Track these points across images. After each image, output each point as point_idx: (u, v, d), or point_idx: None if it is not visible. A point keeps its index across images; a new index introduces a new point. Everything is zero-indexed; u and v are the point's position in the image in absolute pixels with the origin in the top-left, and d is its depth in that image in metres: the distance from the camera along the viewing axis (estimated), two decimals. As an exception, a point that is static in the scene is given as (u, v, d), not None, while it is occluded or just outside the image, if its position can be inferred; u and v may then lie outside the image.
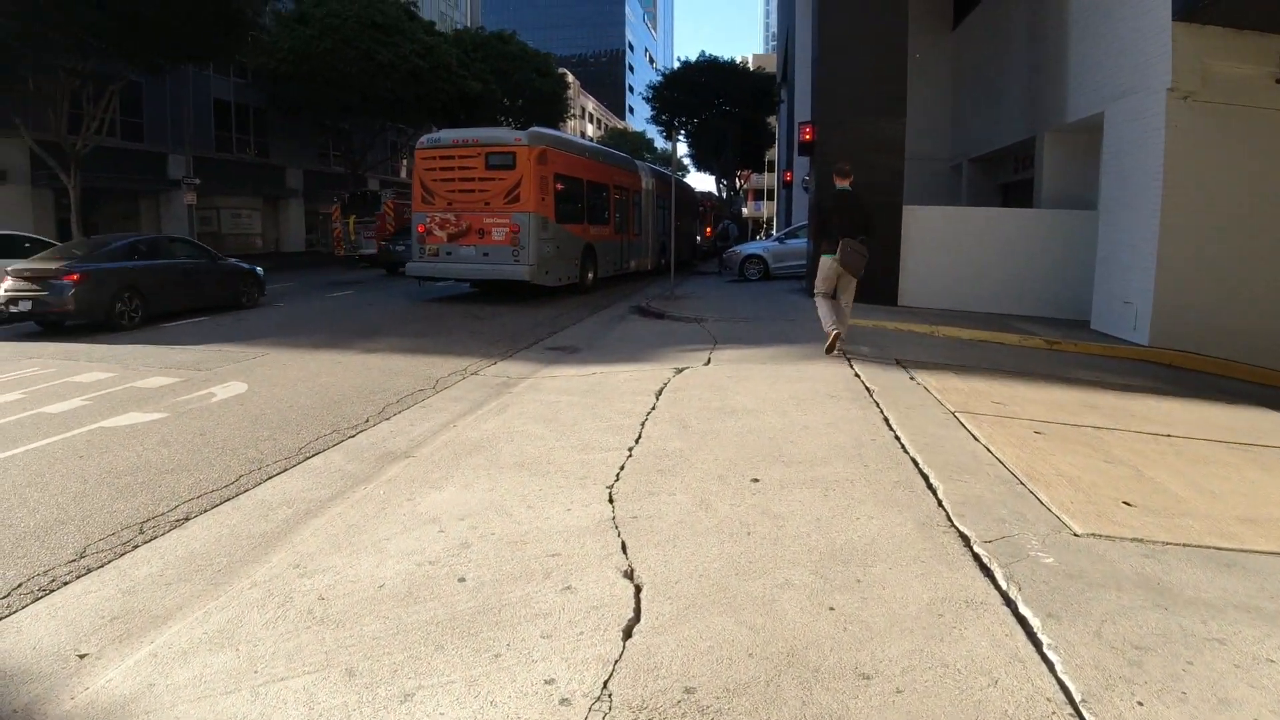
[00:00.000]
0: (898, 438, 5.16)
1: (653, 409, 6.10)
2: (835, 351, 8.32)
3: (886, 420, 5.60)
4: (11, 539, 4.13)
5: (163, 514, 4.39)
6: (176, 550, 3.85)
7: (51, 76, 23.18)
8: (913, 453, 4.81)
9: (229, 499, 4.58)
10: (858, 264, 8.26)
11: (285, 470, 5.07)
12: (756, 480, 4.35)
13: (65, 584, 3.57)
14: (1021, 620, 2.83)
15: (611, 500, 4.09)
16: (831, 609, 2.92)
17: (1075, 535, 3.61)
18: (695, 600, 3.00)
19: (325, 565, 3.48)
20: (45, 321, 12.59)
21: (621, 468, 4.64)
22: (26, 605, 3.39)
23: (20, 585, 3.58)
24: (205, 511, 4.39)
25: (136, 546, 3.95)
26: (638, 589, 3.10)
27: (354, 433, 5.94)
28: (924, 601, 2.97)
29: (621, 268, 20.30)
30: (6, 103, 23.31)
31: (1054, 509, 3.91)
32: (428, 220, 15.66)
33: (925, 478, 4.36)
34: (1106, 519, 3.84)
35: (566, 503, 4.08)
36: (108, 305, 12.35)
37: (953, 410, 5.91)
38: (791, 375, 7.37)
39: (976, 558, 3.36)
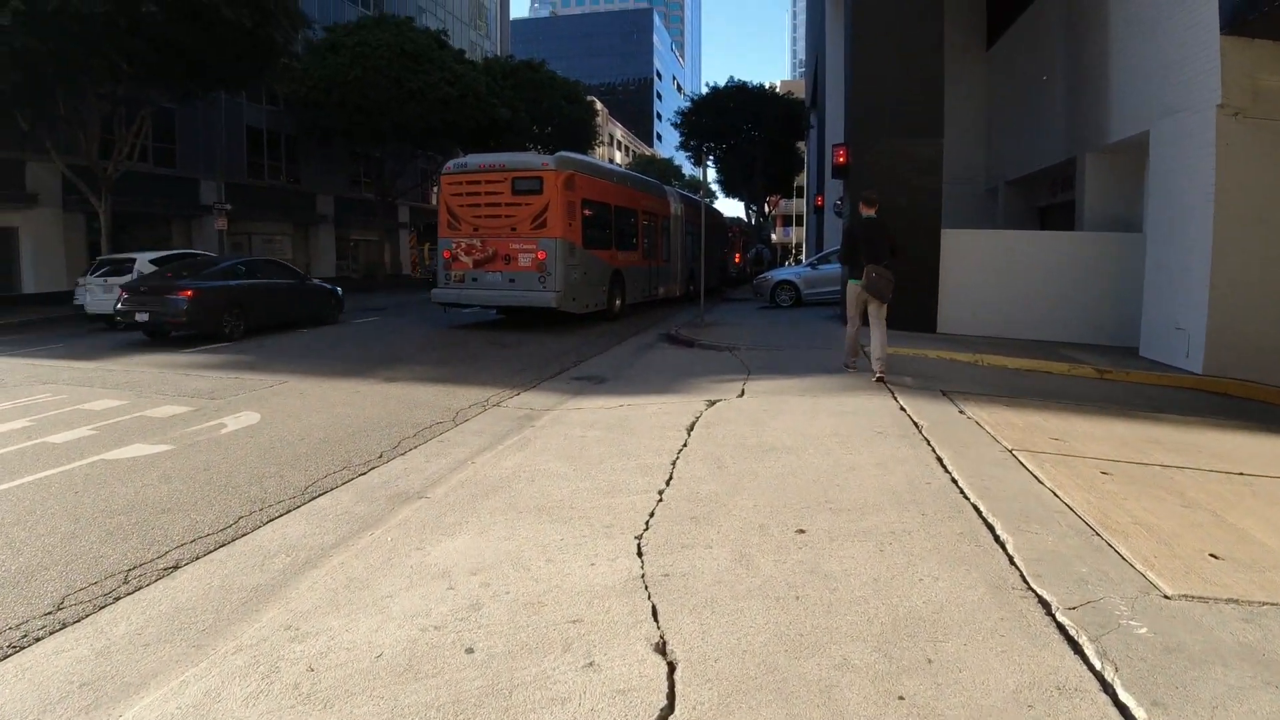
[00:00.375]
0: (954, 480, 4.70)
1: (684, 445, 5.69)
2: (851, 367, 8.75)
3: (940, 460, 5.14)
4: None
5: (151, 560, 4.03)
6: (161, 604, 3.49)
7: (83, 101, 23.41)
8: (973, 498, 4.35)
9: (225, 544, 4.22)
10: (883, 289, 8.40)
11: (289, 511, 4.71)
12: (802, 531, 3.91)
13: (38, 640, 3.24)
14: (1123, 709, 2.39)
15: (640, 553, 3.67)
16: (901, 698, 2.47)
17: (1166, 598, 3.16)
18: (739, 684, 2.56)
19: (320, 627, 3.10)
20: (156, 331, 14.29)
21: (651, 514, 4.22)
22: None
23: None
24: (197, 559, 4.03)
25: (119, 598, 3.60)
26: (671, 667, 2.67)
27: (366, 469, 5.58)
28: (1009, 688, 2.52)
29: (650, 294, 19.96)
30: (39, 126, 23.53)
31: (1137, 565, 3.46)
32: (453, 246, 15.43)
33: (991, 528, 3.90)
34: (1196, 575, 3.38)
35: (591, 555, 3.67)
36: (216, 318, 14.04)
37: (1010, 448, 5.45)
38: (832, 408, 6.92)
39: (1061, 629, 2.91)
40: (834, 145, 15.55)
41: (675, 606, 3.11)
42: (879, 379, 8.25)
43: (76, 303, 18.37)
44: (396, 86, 31.83)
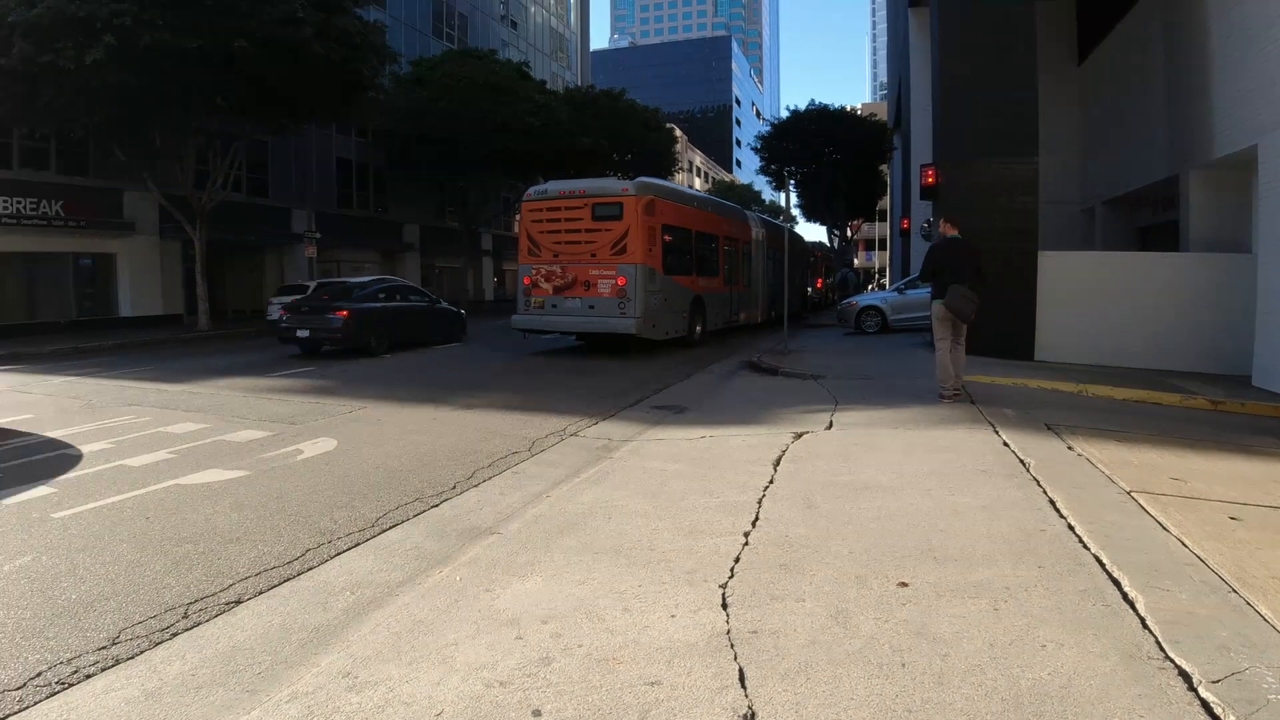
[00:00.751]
0: (1071, 527, 4.25)
1: (771, 482, 5.35)
2: (949, 398, 8.37)
3: (1053, 503, 4.69)
4: (48, 614, 3.72)
5: (214, 594, 3.90)
6: (219, 642, 3.34)
7: (179, 134, 24.46)
8: (1094, 548, 3.91)
9: (289, 579, 4.07)
10: (966, 310, 8.22)
11: (357, 545, 4.55)
12: (904, 584, 3.53)
13: (88, 677, 3.11)
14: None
15: (725, 605, 3.36)
16: (1034, 797, 2.11)
17: (1321, 668, 2.70)
18: (841, 770, 2.23)
19: (379, 676, 2.89)
20: (312, 347, 16.27)
21: (737, 559, 3.90)
22: (39, 701, 2.94)
23: (39, 675, 3.14)
24: (260, 594, 3.88)
25: (176, 634, 3.46)
26: (761, 746, 2.36)
27: (438, 501, 5.40)
28: (1163, 786, 2.13)
29: (731, 321, 19.63)
30: (136, 158, 24.69)
31: (1281, 628, 3.00)
32: (533, 272, 15.44)
33: (1117, 584, 3.46)
34: (1351, 641, 2.91)
35: (671, 605, 3.37)
36: (365, 336, 15.93)
37: (1128, 489, 4.96)
38: (929, 443, 6.49)
39: (1206, 707, 2.49)
40: (921, 166, 15.09)
41: (765, 671, 2.79)
42: (945, 398, 8.36)
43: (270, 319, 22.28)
44: (481, 118, 32.46)
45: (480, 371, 13.50)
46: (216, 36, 20.46)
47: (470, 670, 2.88)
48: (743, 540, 4.18)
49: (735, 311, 19.94)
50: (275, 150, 32.24)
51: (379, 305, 16.82)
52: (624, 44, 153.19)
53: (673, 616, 3.26)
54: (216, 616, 3.64)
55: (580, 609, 3.38)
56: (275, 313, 20.94)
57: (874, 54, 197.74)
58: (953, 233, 8.77)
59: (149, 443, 7.71)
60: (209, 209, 25.50)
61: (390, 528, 4.85)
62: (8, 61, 19.81)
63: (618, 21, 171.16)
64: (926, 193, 14.22)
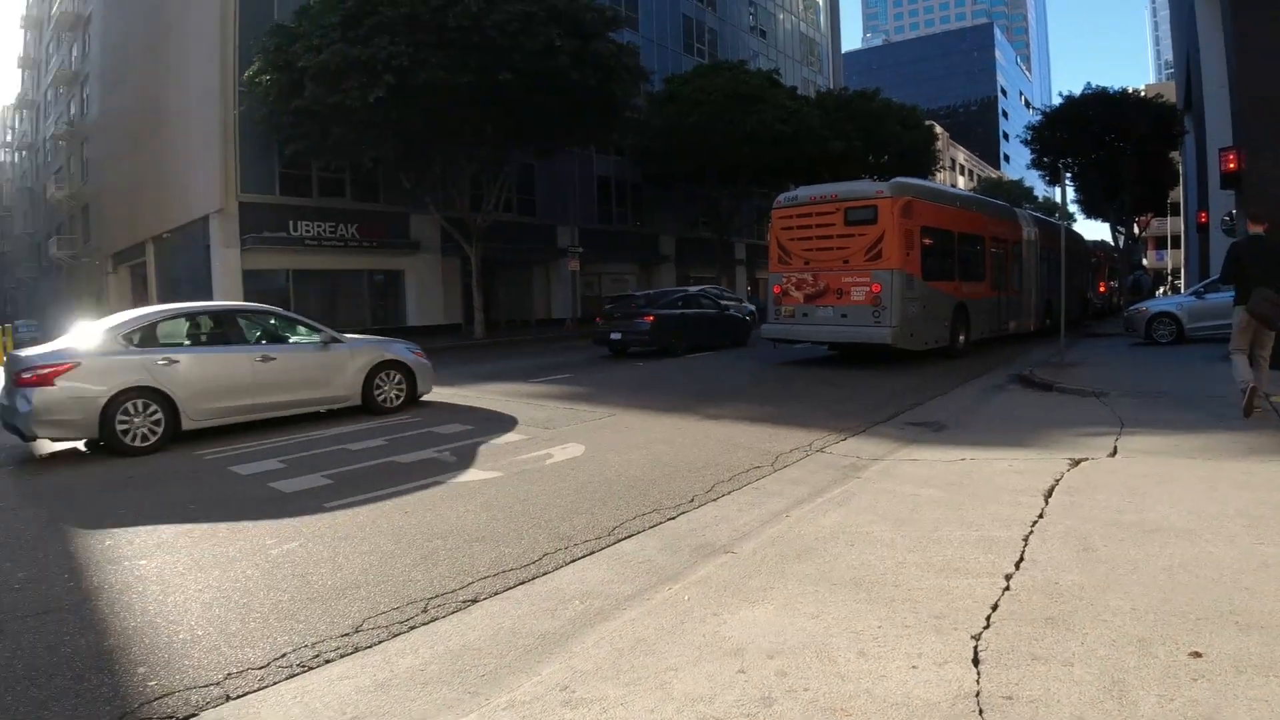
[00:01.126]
0: None
1: (1040, 516, 4.75)
2: (1255, 413, 7.43)
3: None
4: (302, 598, 4.06)
5: (453, 591, 4.08)
6: (450, 640, 3.48)
7: (455, 161, 26.89)
8: None
9: (524, 582, 4.17)
10: (1271, 315, 7.53)
11: (592, 554, 4.58)
12: (1197, 654, 2.91)
13: (327, 662, 3.34)
14: None
15: (977, 660, 2.95)
16: None
17: None
18: None
19: (595, 694, 2.84)
20: (621, 348, 18.85)
21: (994, 606, 3.44)
22: (278, 682, 3.18)
23: (283, 656, 3.40)
24: (495, 595, 4.01)
25: (414, 628, 3.65)
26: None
27: (676, 514, 5.33)
28: None
29: (998, 329, 18.16)
30: (421, 186, 27.46)
31: None
32: (784, 281, 15.15)
33: None
34: None
35: (912, 654, 3.03)
36: (668, 339, 18.17)
37: None
38: (1237, 477, 5.51)
39: None
40: (1220, 150, 13.19)
41: (1019, 746, 2.40)
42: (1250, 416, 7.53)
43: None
44: (731, 129, 32.69)
45: (729, 380, 13.44)
46: (483, 71, 22.29)
47: (687, 701, 2.75)
48: (1003, 584, 3.70)
49: (1004, 319, 18.42)
50: (541, 172, 34.50)
51: (678, 311, 18.94)
52: (877, 42, 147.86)
53: (914, 667, 2.92)
54: (452, 614, 3.79)
55: (810, 646, 3.13)
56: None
57: (1155, 29, 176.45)
58: (1258, 230, 7.98)
59: (420, 441, 8.37)
60: (483, 228, 27.84)
61: (625, 538, 4.85)
62: (302, 102, 22.80)
63: (869, 20, 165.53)
64: (1227, 181, 12.43)
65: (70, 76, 45.97)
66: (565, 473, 6.68)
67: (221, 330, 9.69)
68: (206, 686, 3.16)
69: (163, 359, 8.65)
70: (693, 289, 22.85)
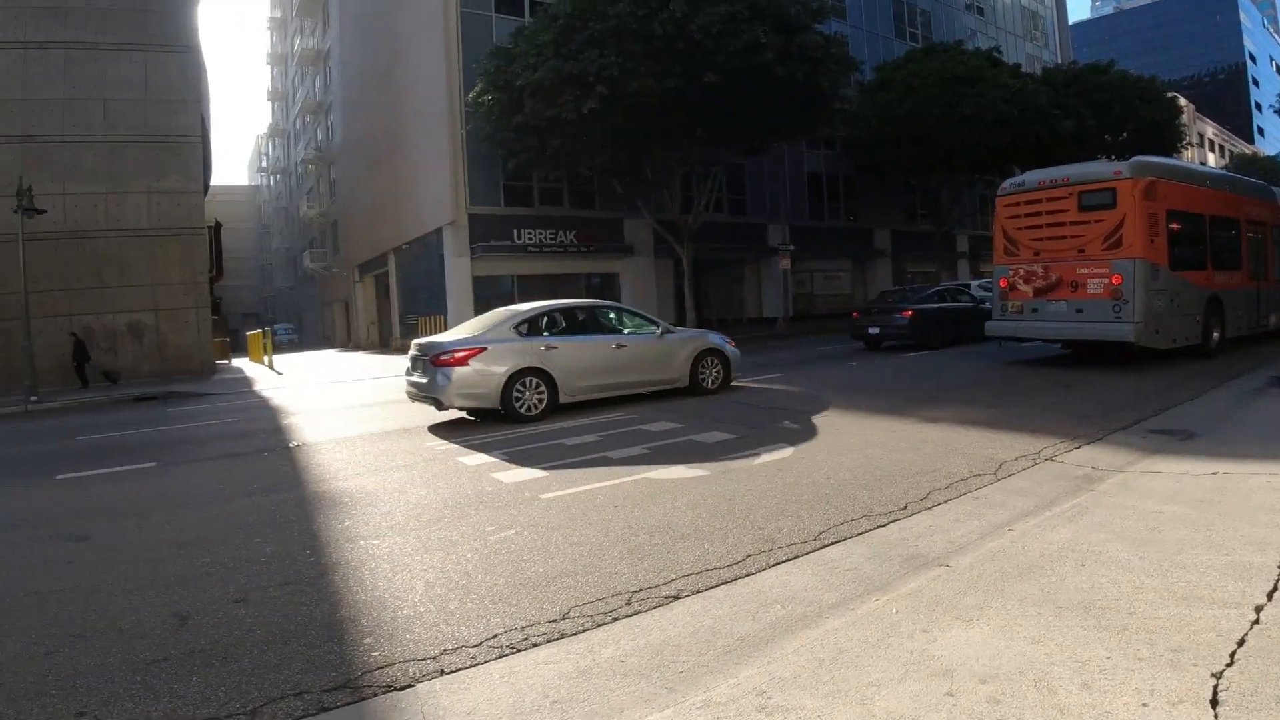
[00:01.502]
0: None
1: (1304, 540, 4.13)
2: None
3: None
4: (515, 583, 4.28)
5: (656, 586, 4.14)
6: (651, 634, 3.53)
7: (666, 165, 27.42)
8: None
9: (726, 582, 4.15)
10: None
11: (796, 558, 4.47)
12: None
13: (534, 646, 3.49)
14: None
15: (1216, 702, 2.56)
16: None
17: None
18: None
19: (792, 703, 2.76)
20: (877, 342, 19.58)
21: (1240, 641, 2.99)
22: (488, 661, 3.37)
23: (495, 637, 3.59)
24: (697, 593, 4.02)
25: (617, 619, 3.74)
26: None
27: (886, 521, 5.10)
28: None
29: (1257, 325, 15.95)
30: (633, 191, 28.23)
31: None
32: (1011, 274, 14.09)
33: None
34: None
35: (1144, 690, 2.69)
36: (926, 333, 18.71)
37: None
38: None
39: None
40: None
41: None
42: None
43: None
44: (948, 113, 31.03)
45: (949, 379, 12.78)
46: (689, 74, 22.61)
47: (889, 721, 2.59)
48: (1252, 616, 3.21)
49: (1264, 313, 16.18)
50: (750, 171, 34.40)
51: (935, 306, 19.53)
52: (1108, 10, 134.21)
53: (1144, 705, 2.59)
54: (655, 608, 3.84)
55: (1028, 673, 2.87)
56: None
57: None
58: None
59: (630, 437, 8.58)
60: (694, 229, 28.22)
61: (831, 544, 4.70)
62: (521, 118, 24.14)
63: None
64: None
65: (315, 106, 51.35)
66: (772, 474, 6.59)
67: (586, 322, 11.80)
68: (424, 660, 3.40)
69: (546, 345, 10.77)
70: (950, 284, 23.60)
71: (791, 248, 32.35)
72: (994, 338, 14.77)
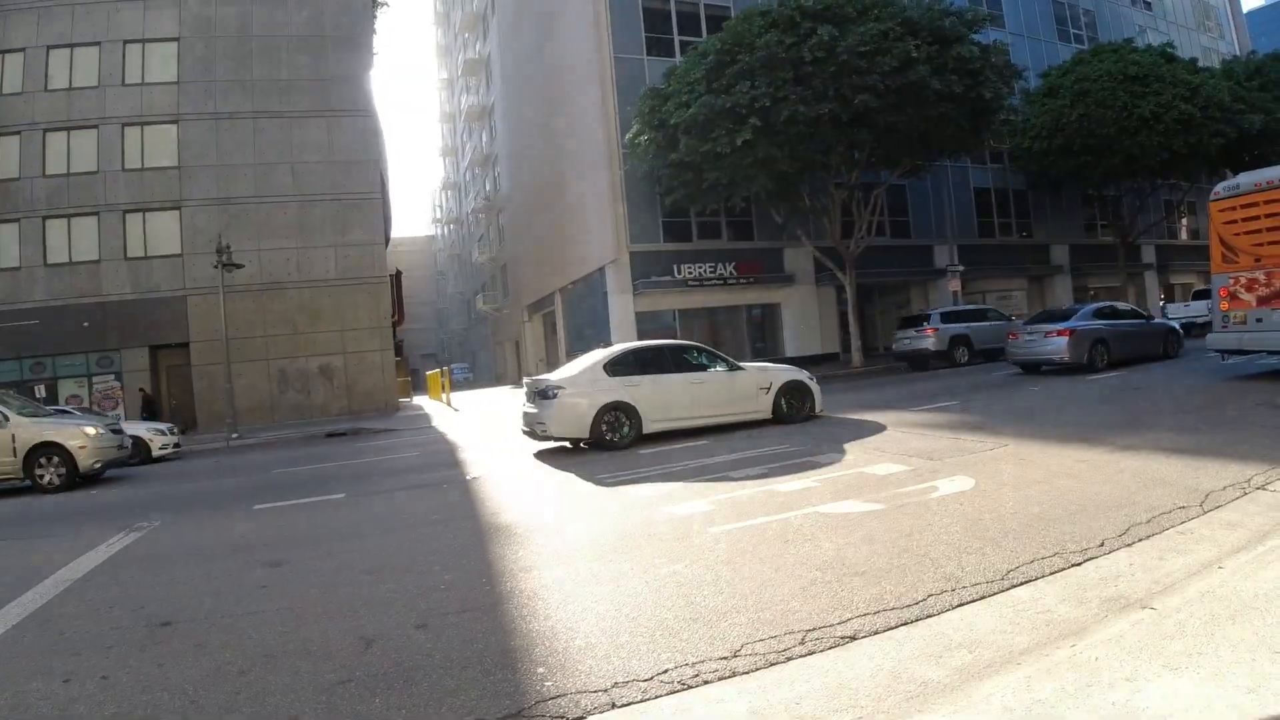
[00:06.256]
0: None
1: None
2: None
3: None
4: (685, 617, 4.22)
5: (831, 625, 3.97)
6: (826, 676, 3.38)
7: (824, 191, 27.07)
8: None
9: (906, 623, 3.93)
10: None
11: (982, 598, 4.19)
12: None
13: (706, 683, 3.42)
14: None
15: None
16: None
17: None
18: None
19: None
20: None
21: None
22: (659, 696, 3.33)
23: (666, 671, 3.55)
24: (875, 634, 3.82)
25: (790, 659, 3.61)
26: None
27: (1081, 559, 4.70)
28: None
29: None
30: (793, 220, 28.01)
31: None
32: (1230, 283, 12.90)
33: None
34: None
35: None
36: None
37: None
38: None
39: None
40: None
41: None
42: None
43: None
44: (1124, 117, 28.99)
45: (1145, 402, 11.80)
46: (842, 97, 22.28)
47: (1100, 779, 2.36)
48: None
49: None
50: (913, 191, 33.40)
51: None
52: None
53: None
54: (830, 649, 3.69)
55: (1249, 730, 2.55)
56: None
57: None
58: None
59: (798, 469, 8.39)
60: (856, 255, 27.59)
61: (1021, 584, 4.37)
62: (677, 155, 24.51)
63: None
64: None
65: (483, 159, 54.32)
66: (952, 507, 6.24)
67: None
68: (595, 692, 3.41)
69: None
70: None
71: (961, 268, 31.02)
72: (1215, 350, 13.56)
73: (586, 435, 11.62)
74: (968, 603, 4.14)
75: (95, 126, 26.80)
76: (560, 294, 36.36)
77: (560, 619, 4.38)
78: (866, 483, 7.47)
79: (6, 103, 26.44)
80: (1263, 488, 6.01)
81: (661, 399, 12.15)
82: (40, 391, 22.72)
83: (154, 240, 26.97)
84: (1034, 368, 18.63)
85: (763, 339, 31.15)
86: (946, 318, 25.14)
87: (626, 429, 11.81)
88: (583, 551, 5.84)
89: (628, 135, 27.37)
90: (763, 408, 12.83)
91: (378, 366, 28.39)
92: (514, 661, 3.82)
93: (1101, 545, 4.94)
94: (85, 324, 26.00)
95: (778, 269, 30.56)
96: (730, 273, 29.56)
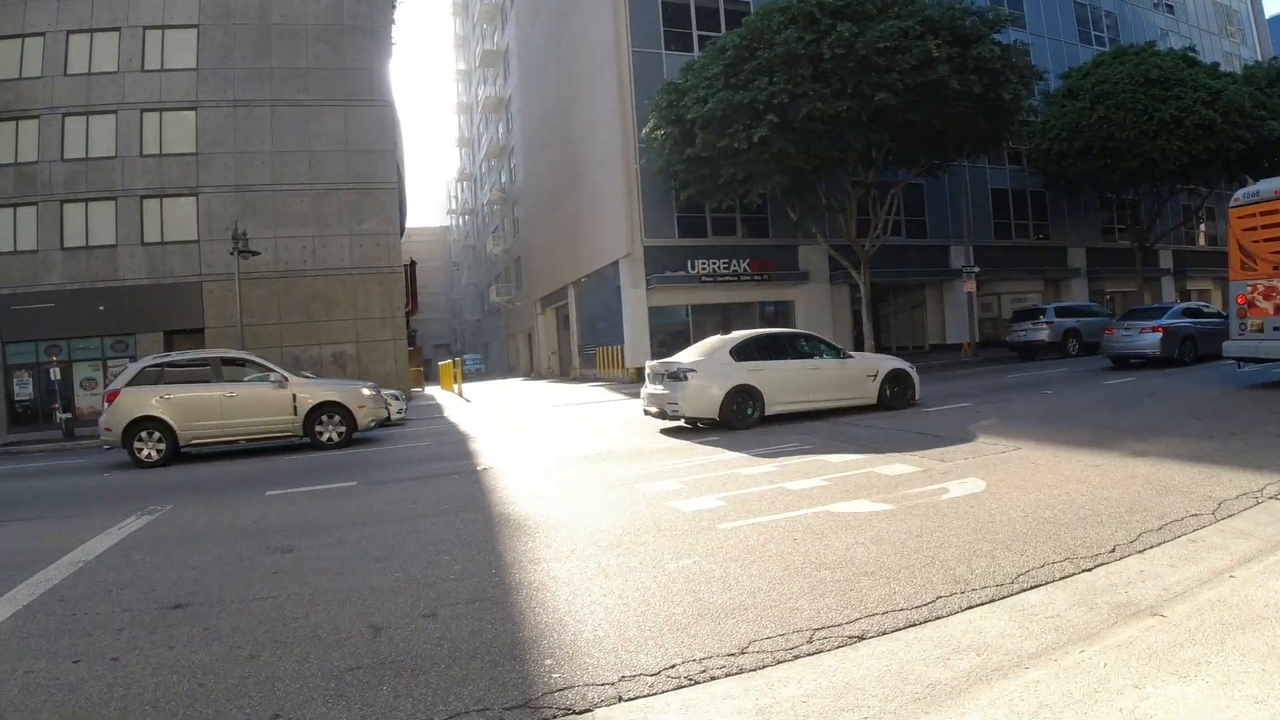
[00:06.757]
0: None
1: None
2: None
3: None
4: (692, 613, 4.24)
5: (839, 625, 3.97)
6: (834, 675, 3.39)
7: (840, 189, 26.95)
8: None
9: (914, 624, 3.93)
10: None
11: (991, 601, 4.18)
12: None
13: (712, 679, 3.44)
14: None
15: None
16: None
17: None
18: None
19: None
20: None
21: None
22: (666, 691, 3.35)
23: (673, 666, 3.57)
24: (882, 634, 3.83)
25: (798, 657, 3.62)
26: None
27: (1091, 565, 4.69)
28: None
29: None
30: (808, 217, 27.87)
31: None
32: (1248, 290, 12.83)
33: None
34: None
35: None
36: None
37: None
38: None
39: None
40: None
41: None
42: None
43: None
44: (1144, 121, 28.74)
45: (1162, 408, 11.71)
46: (861, 95, 22.16)
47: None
48: None
49: None
50: (930, 191, 33.21)
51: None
52: None
53: None
54: (838, 648, 3.70)
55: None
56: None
57: None
58: None
59: (808, 469, 8.40)
60: (871, 254, 27.47)
61: (1030, 588, 4.37)
62: (693, 150, 24.43)
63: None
64: None
65: (499, 150, 54.32)
66: (963, 509, 6.23)
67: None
68: (602, 685, 3.43)
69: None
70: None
71: (976, 269, 30.84)
72: (1232, 359, 13.51)
73: (716, 415, 12.27)
74: (977, 605, 4.14)
75: (114, 111, 26.93)
76: (573, 287, 36.36)
77: (568, 612, 4.39)
78: (876, 483, 7.45)
79: (26, 86, 26.60)
80: (1275, 497, 5.99)
81: (782, 383, 12.79)
82: (55, 374, 22.84)
83: (171, 226, 27.10)
84: (1124, 361, 20.01)
85: (775, 337, 31.07)
86: (1060, 312, 27.63)
87: (750, 410, 12.49)
88: (591, 545, 5.85)
89: (644, 129, 27.30)
90: (869, 394, 13.54)
91: (391, 356, 28.47)
92: (522, 653, 3.83)
93: (1112, 551, 4.92)
94: (101, 308, 26.17)
95: (792, 266, 30.46)
96: (744, 269, 29.49)
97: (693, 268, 28.85)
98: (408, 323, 31.09)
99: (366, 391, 14.91)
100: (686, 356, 13.24)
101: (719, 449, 10.45)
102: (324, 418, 14.29)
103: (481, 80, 62.42)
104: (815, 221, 28.34)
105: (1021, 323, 28.51)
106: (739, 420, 12.36)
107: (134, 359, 25.98)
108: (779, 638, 3.83)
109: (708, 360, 12.61)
